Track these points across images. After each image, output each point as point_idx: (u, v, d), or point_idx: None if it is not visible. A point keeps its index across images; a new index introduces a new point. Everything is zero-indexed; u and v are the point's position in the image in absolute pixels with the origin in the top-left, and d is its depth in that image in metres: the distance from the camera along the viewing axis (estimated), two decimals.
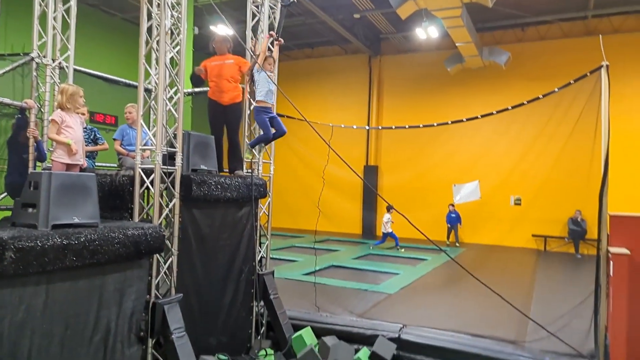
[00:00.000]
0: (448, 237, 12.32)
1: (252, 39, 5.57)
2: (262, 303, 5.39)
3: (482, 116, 5.90)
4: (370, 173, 14.44)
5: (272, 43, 5.32)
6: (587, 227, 11.34)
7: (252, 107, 5.32)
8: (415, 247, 11.04)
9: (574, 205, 11.35)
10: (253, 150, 5.52)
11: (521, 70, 12.45)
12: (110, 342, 3.39)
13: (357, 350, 5.18)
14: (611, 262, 4.91)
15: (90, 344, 3.25)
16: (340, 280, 7.73)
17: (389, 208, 11.20)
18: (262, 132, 5.21)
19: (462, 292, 7.11)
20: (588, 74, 5.36)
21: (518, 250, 12.19)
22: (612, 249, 4.97)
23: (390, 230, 11.20)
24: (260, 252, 5.52)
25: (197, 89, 6.09)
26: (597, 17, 12.05)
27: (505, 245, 12.57)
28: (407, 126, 7.01)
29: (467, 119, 5.91)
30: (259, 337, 5.28)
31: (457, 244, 12.16)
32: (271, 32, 5.44)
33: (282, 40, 5.42)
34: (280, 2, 6.36)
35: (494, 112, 5.88)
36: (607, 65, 5.24)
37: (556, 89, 5.53)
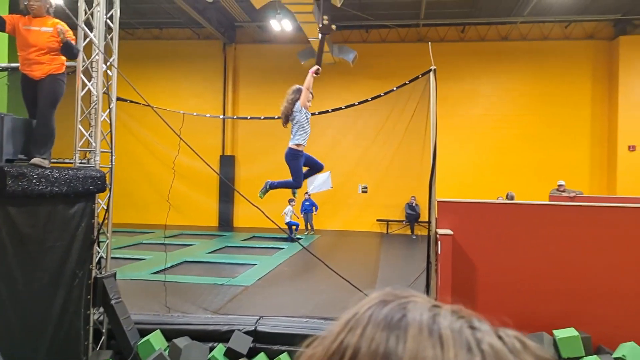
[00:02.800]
0: (305, 226, 12.73)
1: None
2: (102, 309, 4.84)
3: (333, 110, 6.21)
4: (227, 163, 14.13)
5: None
6: (420, 211, 12.89)
7: (286, 152, 4.74)
8: (272, 237, 11.18)
9: (410, 191, 12.77)
10: (91, 140, 4.86)
11: (367, 69, 13.44)
12: None
13: (212, 349, 5.02)
14: (439, 242, 5.61)
15: None
16: (194, 276, 7.40)
17: (290, 200, 11.50)
18: (291, 178, 4.75)
19: (316, 277, 7.42)
20: (419, 76, 6.02)
21: (365, 234, 13.27)
22: (440, 230, 5.69)
23: (289, 220, 11.61)
24: (99, 252, 4.94)
25: (13, 64, 5.10)
26: (427, 26, 13.67)
27: (355, 230, 13.56)
28: (262, 117, 7.00)
29: (319, 112, 6.15)
30: (97, 349, 4.73)
31: (312, 232, 12.64)
32: (318, 67, 5.00)
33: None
34: (319, 30, 5.79)
35: (343, 106, 6.22)
36: (434, 69, 5.95)
37: (394, 88, 6.08)
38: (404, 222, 13.44)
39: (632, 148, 12.71)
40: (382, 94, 6.13)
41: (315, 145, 13.45)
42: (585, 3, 11.78)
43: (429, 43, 6.16)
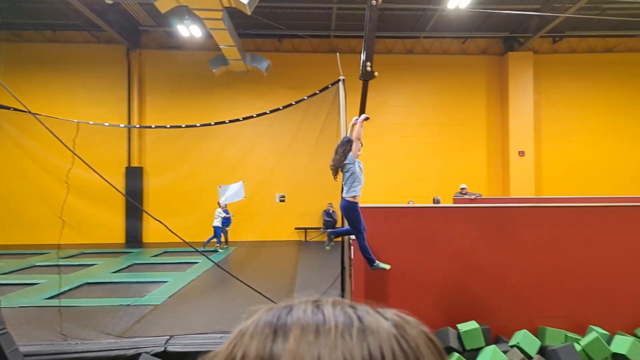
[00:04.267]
0: (219, 239, 12.25)
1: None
2: None
3: (244, 119, 6.10)
4: (134, 175, 13.30)
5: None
6: (337, 217, 13.14)
7: (344, 205, 4.53)
8: (186, 252, 10.69)
9: (327, 199, 12.98)
10: None
11: (280, 78, 13.50)
12: None
13: None
14: (352, 247, 5.73)
15: None
16: (95, 299, 6.80)
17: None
18: (353, 229, 4.61)
19: (232, 291, 7.20)
20: (329, 86, 6.15)
21: (283, 243, 13.22)
22: (353, 236, 5.81)
23: (218, 225, 11.31)
24: None
25: None
26: (338, 38, 14.08)
27: (273, 239, 13.46)
28: (168, 126, 6.66)
29: (230, 121, 6.02)
30: None
31: (226, 245, 12.22)
32: (366, 116, 4.82)
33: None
34: (360, 77, 5.39)
35: (255, 115, 6.15)
36: (343, 79, 6.12)
37: (305, 97, 6.15)
38: (321, 229, 13.61)
39: (521, 153, 14.11)
40: (293, 103, 6.16)
41: (227, 155, 13.32)
42: (478, 21, 12.92)
43: (337, 54, 6.31)
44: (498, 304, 5.60)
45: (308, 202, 13.16)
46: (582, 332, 5.39)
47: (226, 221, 12.00)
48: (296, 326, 0.42)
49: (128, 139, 13.45)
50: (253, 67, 12.78)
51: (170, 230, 4.48)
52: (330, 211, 13.20)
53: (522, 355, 4.90)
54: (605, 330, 5.32)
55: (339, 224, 12.67)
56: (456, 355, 4.87)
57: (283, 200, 13.56)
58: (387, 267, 4.81)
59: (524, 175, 13.99)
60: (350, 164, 4.58)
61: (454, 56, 14.60)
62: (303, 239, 13.78)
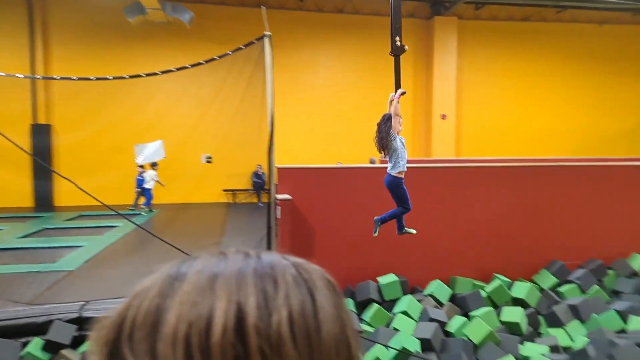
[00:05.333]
0: (136, 201, 11.61)
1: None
2: None
3: (163, 72, 5.72)
4: (41, 132, 12.14)
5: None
6: (266, 178, 13.05)
7: (389, 180, 4.55)
8: (103, 215, 10.08)
9: (256, 160, 12.79)
10: None
11: (204, 32, 12.77)
12: None
13: (26, 344, 4.38)
14: (278, 207, 5.74)
15: None
16: (1, 265, 6.28)
17: (154, 164, 10.79)
18: (396, 207, 4.65)
19: (154, 253, 6.96)
20: (254, 41, 5.91)
21: (211, 205, 12.94)
22: (279, 196, 5.81)
23: (150, 187, 10.76)
24: None
25: None
26: None
27: (199, 202, 13.11)
28: (76, 78, 6.04)
29: (147, 74, 5.60)
30: None
31: (149, 208, 11.57)
32: (403, 91, 4.81)
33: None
34: (391, 52, 5.40)
35: (175, 69, 5.78)
36: (269, 35, 5.89)
37: (229, 52, 5.87)
38: (250, 191, 13.49)
39: (444, 117, 14.75)
40: (216, 58, 5.86)
41: (144, 112, 12.53)
42: None
43: (263, 7, 6.04)
44: (415, 258, 5.96)
45: (236, 163, 12.88)
46: (488, 280, 5.92)
47: (141, 182, 11.21)
48: (193, 274, 0.40)
49: (32, 93, 12.15)
50: (175, 18, 11.93)
51: (83, 190, 4.16)
52: (260, 172, 13.06)
53: (434, 303, 5.30)
54: (508, 277, 5.89)
55: (268, 185, 12.61)
56: (375, 306, 5.16)
57: (210, 162, 13.16)
58: (414, 231, 5.02)
59: (446, 138, 14.70)
60: (393, 140, 4.57)
61: (384, 17, 14.61)
62: (231, 201, 13.58)
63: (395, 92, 5.11)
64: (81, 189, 3.75)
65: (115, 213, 4.71)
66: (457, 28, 14.57)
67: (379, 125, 4.69)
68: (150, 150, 9.81)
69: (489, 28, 15.09)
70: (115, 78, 5.80)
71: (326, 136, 14.19)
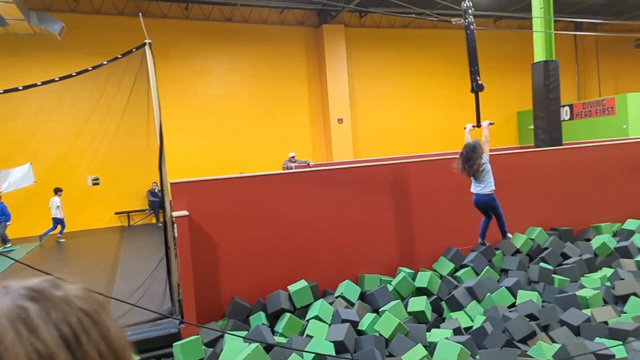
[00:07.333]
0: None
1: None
2: None
3: (24, 87, 5.04)
4: None
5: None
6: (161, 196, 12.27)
7: (486, 199, 5.36)
8: None
9: (150, 177, 11.97)
10: None
11: (79, 43, 11.71)
12: None
13: None
14: (175, 225, 5.36)
15: None
16: None
17: (57, 190, 10.14)
18: (498, 218, 5.49)
19: None
20: (134, 49, 5.48)
21: (103, 230, 11.84)
22: (175, 213, 5.43)
23: (61, 216, 9.95)
24: None
25: None
26: (147, 0, 12.78)
27: (89, 228, 11.94)
28: None
29: (5, 91, 4.89)
30: None
31: (8, 244, 9.89)
32: (491, 122, 5.74)
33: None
34: (472, 91, 6.27)
35: (39, 83, 5.13)
36: (149, 43, 5.51)
37: (104, 62, 5.38)
38: (147, 211, 12.60)
39: (340, 121, 15.20)
40: (90, 69, 5.32)
41: (8, 130, 11.03)
42: None
43: (140, 14, 5.63)
44: (324, 261, 5.96)
45: (127, 182, 11.95)
46: (394, 274, 6.13)
47: (3, 217, 9.82)
48: None
49: None
50: (42, 29, 10.75)
51: None
52: (156, 190, 12.26)
53: (345, 303, 5.33)
54: (411, 269, 6.15)
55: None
56: (288, 315, 5.03)
57: (97, 183, 12.04)
58: (511, 236, 5.98)
59: (344, 141, 15.16)
60: (485, 162, 5.24)
61: (273, 26, 14.70)
62: (126, 224, 12.56)
63: (477, 122, 6.11)
64: None
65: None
66: (344, 35, 15.14)
67: (466, 153, 5.25)
68: (17, 176, 8.57)
69: (374, 35, 15.93)
70: None
71: (231, 147, 13.81)
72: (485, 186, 5.26)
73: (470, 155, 5.19)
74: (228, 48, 14.11)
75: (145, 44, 5.48)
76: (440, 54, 16.49)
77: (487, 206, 5.42)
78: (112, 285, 6.50)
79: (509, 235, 5.90)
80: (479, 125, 6.04)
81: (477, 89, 6.25)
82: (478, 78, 6.25)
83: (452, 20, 6.66)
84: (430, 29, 16.53)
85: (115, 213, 12.40)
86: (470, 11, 6.34)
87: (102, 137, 11.19)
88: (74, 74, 5.10)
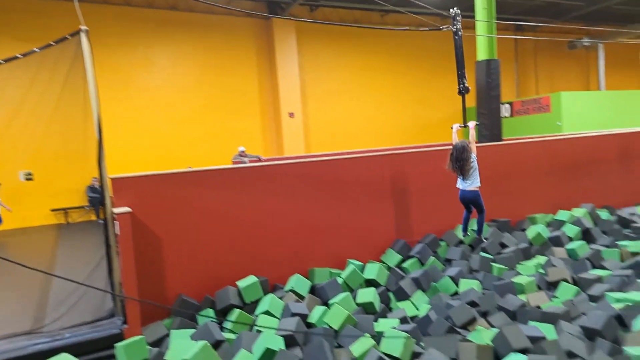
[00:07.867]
0: None
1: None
2: None
3: None
4: None
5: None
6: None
7: (472, 196, 5.66)
8: None
9: (89, 172, 11.35)
10: None
11: (10, 30, 10.87)
12: None
13: None
14: (116, 222, 5.11)
15: None
16: None
17: None
18: (480, 213, 5.87)
19: None
20: (68, 37, 5.15)
21: (37, 229, 11.12)
22: (116, 210, 5.18)
23: None
24: None
25: None
26: None
27: (22, 226, 11.17)
28: None
29: None
30: None
31: None
32: (477, 122, 6.11)
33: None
34: (459, 93, 6.61)
35: None
36: (86, 30, 5.19)
37: (36, 49, 5.01)
38: (87, 207, 11.96)
39: (291, 115, 15.13)
40: (19, 56, 4.93)
41: None
42: None
43: (75, 0, 5.28)
44: (275, 256, 5.91)
45: (63, 178, 11.26)
46: (344, 267, 6.19)
47: None
48: None
49: None
50: None
51: None
52: (96, 185, 11.65)
53: (296, 297, 5.32)
54: (360, 261, 6.24)
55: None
56: (237, 311, 4.96)
57: (30, 179, 11.27)
58: (486, 240, 6.28)
59: (295, 135, 15.12)
60: (473, 160, 5.48)
61: (220, 16, 14.34)
62: (64, 221, 11.87)
63: (463, 123, 6.41)
64: None
65: None
66: (295, 28, 15.05)
67: (456, 154, 5.49)
68: None
69: (325, 29, 15.95)
70: None
71: (177, 140, 13.37)
72: (472, 183, 5.56)
73: (460, 156, 5.49)
74: (173, 37, 13.62)
75: (80, 30, 5.16)
76: (391, 51, 16.79)
77: (472, 202, 5.74)
78: (50, 285, 6.12)
79: (484, 238, 6.26)
80: (465, 125, 6.36)
81: (463, 91, 6.63)
82: (465, 81, 6.62)
83: (442, 27, 6.88)
84: (380, 26, 16.79)
85: (52, 210, 11.67)
86: (458, 18, 6.61)
87: (33, 129, 10.44)
88: (1, 61, 4.71)
